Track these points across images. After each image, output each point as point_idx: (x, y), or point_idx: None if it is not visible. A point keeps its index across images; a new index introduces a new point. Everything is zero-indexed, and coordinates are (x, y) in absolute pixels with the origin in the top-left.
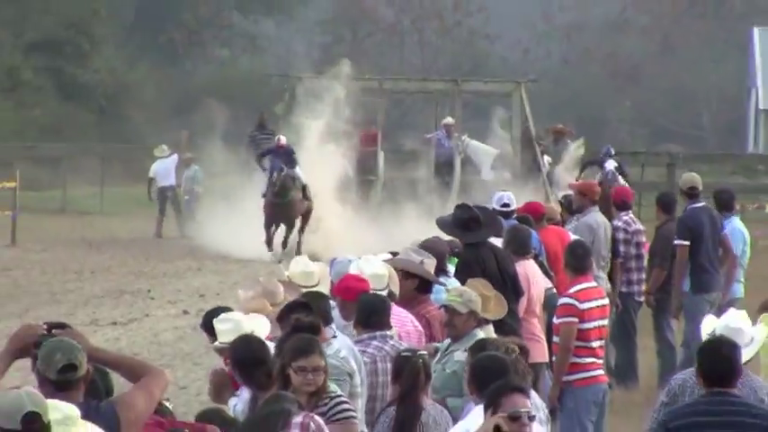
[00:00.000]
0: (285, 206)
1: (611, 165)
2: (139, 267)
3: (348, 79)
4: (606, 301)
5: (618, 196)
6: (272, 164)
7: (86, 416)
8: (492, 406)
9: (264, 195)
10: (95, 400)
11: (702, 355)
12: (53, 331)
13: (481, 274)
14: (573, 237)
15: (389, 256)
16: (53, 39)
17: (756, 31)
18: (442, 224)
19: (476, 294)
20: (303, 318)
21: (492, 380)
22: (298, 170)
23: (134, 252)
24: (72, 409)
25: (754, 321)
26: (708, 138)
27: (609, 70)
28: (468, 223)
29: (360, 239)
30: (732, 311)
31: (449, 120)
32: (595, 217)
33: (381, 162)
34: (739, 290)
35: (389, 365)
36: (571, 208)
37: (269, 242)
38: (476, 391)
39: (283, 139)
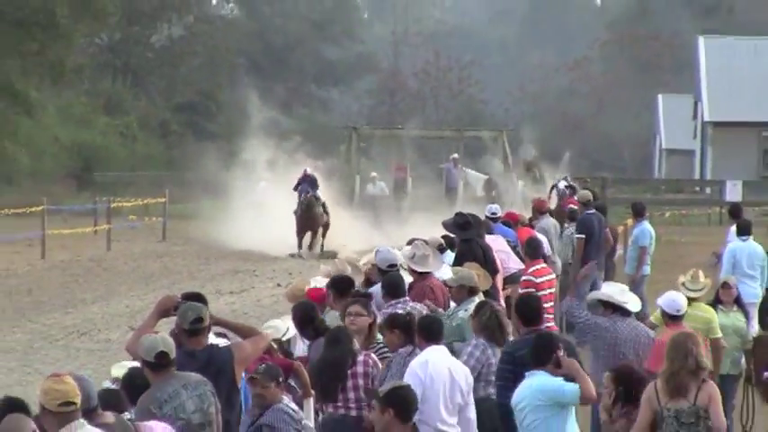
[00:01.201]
0: (310, 218)
1: (562, 185)
2: (247, 255)
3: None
4: (553, 276)
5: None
6: (301, 188)
7: (209, 355)
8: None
9: (296, 212)
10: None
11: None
12: (187, 299)
13: (473, 260)
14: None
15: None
16: (191, 101)
17: (660, 97)
18: (445, 225)
19: (468, 273)
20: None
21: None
22: (318, 192)
23: (241, 245)
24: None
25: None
26: (627, 168)
27: (562, 122)
28: (464, 225)
29: (396, 235)
30: (611, 284)
31: (455, 155)
32: (548, 222)
33: (410, 184)
34: (647, 270)
35: None
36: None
37: (300, 245)
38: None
39: (309, 170)
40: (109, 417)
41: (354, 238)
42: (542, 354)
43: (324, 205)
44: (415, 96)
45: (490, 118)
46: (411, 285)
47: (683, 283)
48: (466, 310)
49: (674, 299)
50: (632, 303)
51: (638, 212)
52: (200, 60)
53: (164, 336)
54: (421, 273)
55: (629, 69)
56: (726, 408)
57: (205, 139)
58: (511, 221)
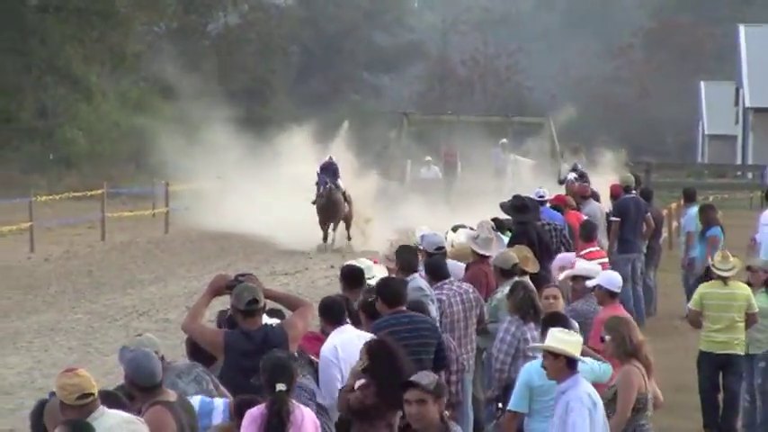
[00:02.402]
0: (332, 209)
1: (571, 176)
2: (303, 238)
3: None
4: (605, 259)
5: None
6: (320, 178)
7: (264, 335)
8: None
9: (314, 202)
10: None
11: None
12: (239, 278)
13: (526, 242)
14: (585, 217)
15: (469, 231)
16: (246, 88)
17: (703, 84)
18: (502, 207)
19: (503, 256)
20: None
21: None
22: (339, 182)
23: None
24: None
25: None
26: (671, 153)
27: (605, 108)
28: (521, 208)
29: (447, 216)
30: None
31: (503, 140)
32: (593, 206)
33: (459, 168)
34: (695, 252)
35: (458, 299)
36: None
37: (324, 237)
38: None
39: (334, 158)
40: (171, 395)
41: (406, 221)
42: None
43: (345, 195)
44: (463, 83)
45: (536, 104)
46: (468, 266)
47: (714, 264)
48: (502, 292)
49: (614, 277)
50: (597, 278)
51: (690, 196)
52: (255, 48)
53: (148, 336)
54: (481, 255)
55: (671, 56)
56: (747, 386)
57: (259, 126)
58: (561, 205)
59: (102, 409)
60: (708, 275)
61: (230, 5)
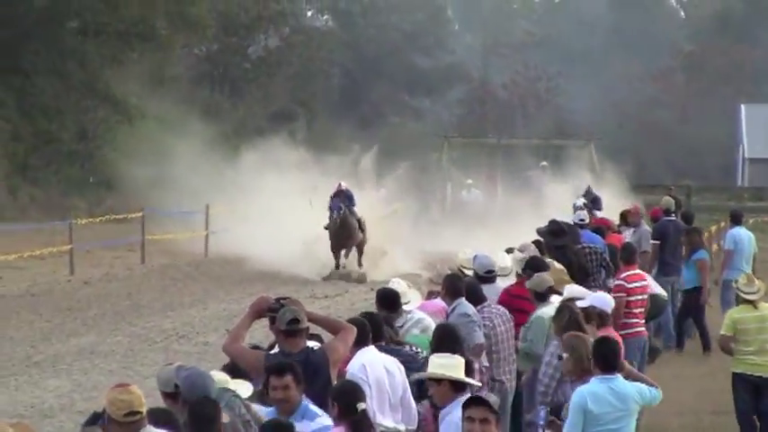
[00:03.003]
0: (345, 235)
1: (580, 201)
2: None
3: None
4: (646, 282)
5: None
6: (333, 203)
7: (306, 357)
8: None
9: (327, 227)
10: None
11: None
12: (281, 301)
13: (565, 266)
14: (626, 240)
15: (516, 254)
16: (286, 110)
17: (743, 107)
18: (539, 231)
19: (537, 279)
20: None
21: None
22: (355, 209)
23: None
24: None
25: None
26: (711, 176)
27: (646, 131)
28: (557, 232)
29: (488, 233)
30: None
31: (543, 163)
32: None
33: (500, 191)
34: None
35: (500, 321)
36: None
37: (337, 264)
38: None
39: (344, 185)
40: (225, 417)
41: (447, 243)
42: (613, 358)
43: (360, 222)
44: (503, 106)
45: (577, 127)
46: (507, 289)
47: (739, 288)
48: (535, 314)
49: (607, 299)
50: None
51: (736, 219)
52: (296, 70)
53: (178, 365)
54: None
55: (711, 79)
56: None
57: (301, 147)
58: (603, 227)
59: (149, 428)
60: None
61: (271, 28)
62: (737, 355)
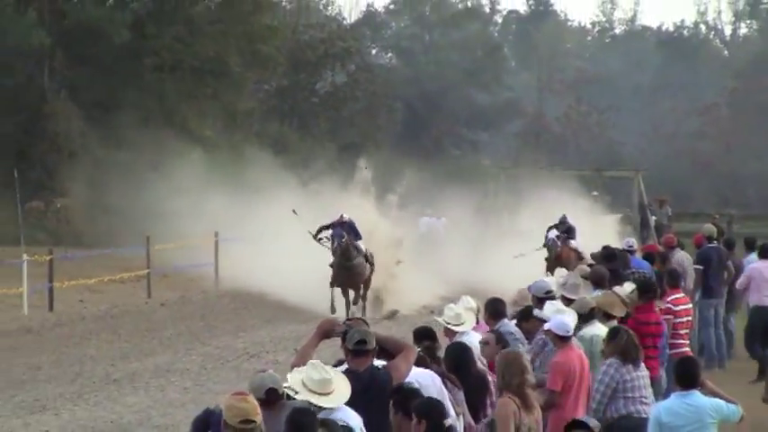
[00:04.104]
0: (351, 269)
1: (552, 234)
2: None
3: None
4: (690, 305)
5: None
6: (334, 232)
7: (371, 376)
8: None
9: (332, 265)
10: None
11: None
12: (347, 323)
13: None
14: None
15: (558, 278)
16: (354, 142)
17: None
18: (593, 256)
19: (581, 302)
20: None
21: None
22: (360, 243)
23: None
24: (328, 373)
25: None
26: (753, 205)
27: (692, 163)
28: (609, 257)
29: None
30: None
31: (595, 193)
32: (681, 255)
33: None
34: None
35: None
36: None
37: (332, 304)
38: None
39: (346, 216)
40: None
41: (505, 270)
42: (692, 376)
43: (367, 257)
44: (558, 139)
45: (627, 159)
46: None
47: None
48: (583, 337)
49: (563, 322)
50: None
51: (749, 244)
52: (361, 105)
53: (270, 373)
54: (569, 299)
55: (755, 114)
56: None
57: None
58: (654, 253)
59: None
60: None
61: (337, 65)
62: None
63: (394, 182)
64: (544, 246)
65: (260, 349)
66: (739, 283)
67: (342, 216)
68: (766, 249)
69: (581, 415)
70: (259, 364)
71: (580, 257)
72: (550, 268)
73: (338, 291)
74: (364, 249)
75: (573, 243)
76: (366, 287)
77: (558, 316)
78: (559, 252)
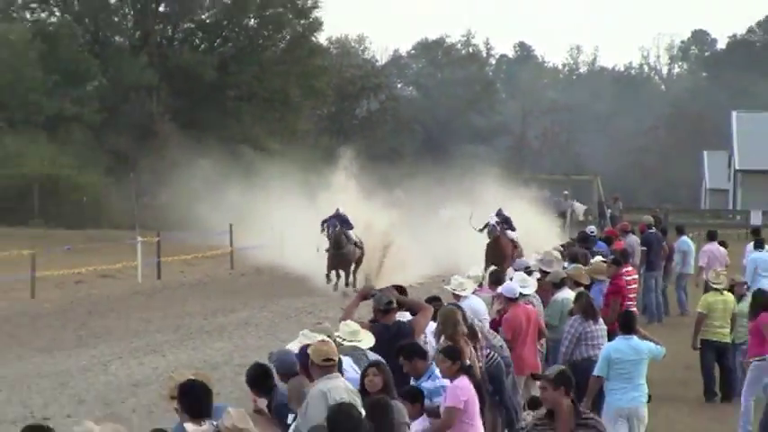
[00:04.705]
0: (341, 255)
1: (493, 220)
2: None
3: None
4: (636, 276)
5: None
6: (329, 223)
7: (398, 327)
8: None
9: (327, 250)
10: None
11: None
12: (379, 290)
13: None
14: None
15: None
16: (384, 155)
17: (705, 153)
18: (572, 239)
19: (555, 273)
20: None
21: None
22: (351, 232)
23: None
24: (356, 326)
25: None
26: (683, 201)
27: (638, 170)
28: (584, 239)
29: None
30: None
31: (565, 192)
32: (632, 238)
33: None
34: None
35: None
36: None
37: (329, 281)
38: None
39: (341, 210)
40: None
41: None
42: (631, 325)
43: (356, 243)
44: (536, 152)
45: (589, 167)
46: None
47: (709, 280)
48: (555, 300)
49: (511, 287)
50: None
51: (710, 236)
52: (389, 126)
53: (326, 325)
54: (546, 272)
55: (685, 134)
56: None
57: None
58: (612, 236)
59: (337, 375)
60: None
61: (372, 96)
62: (705, 327)
63: (411, 183)
64: (485, 227)
65: (314, 308)
66: (702, 261)
67: (337, 209)
68: (712, 234)
69: (532, 353)
70: (314, 318)
71: (515, 245)
72: (489, 249)
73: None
74: (354, 237)
75: (510, 233)
76: (357, 266)
77: (508, 283)
78: (497, 236)
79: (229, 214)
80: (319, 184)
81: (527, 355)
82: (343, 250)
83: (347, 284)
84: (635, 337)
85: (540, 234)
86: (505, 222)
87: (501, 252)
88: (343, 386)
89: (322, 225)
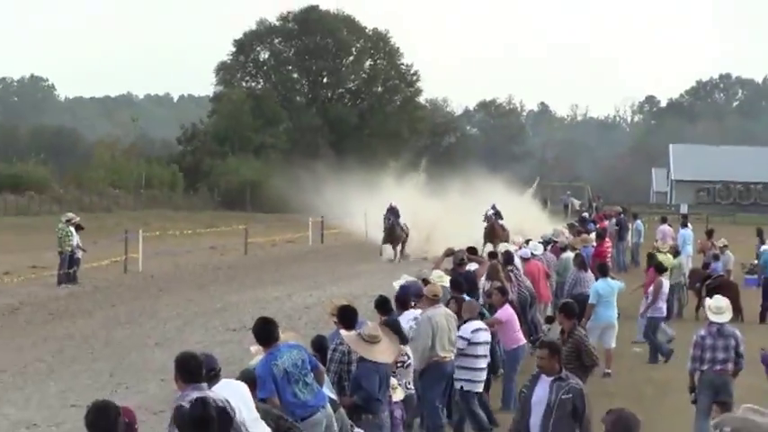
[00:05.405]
0: (392, 235)
1: (489, 212)
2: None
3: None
4: (611, 244)
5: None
6: (387, 215)
7: (467, 274)
8: None
9: (384, 231)
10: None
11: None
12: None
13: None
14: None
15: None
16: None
17: (654, 170)
18: (570, 223)
19: (564, 240)
20: None
21: None
22: (401, 220)
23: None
24: (441, 272)
25: None
26: (642, 200)
27: (614, 182)
28: (583, 221)
29: (543, 226)
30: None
31: (568, 192)
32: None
33: (548, 204)
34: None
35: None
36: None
37: (382, 251)
38: None
39: (393, 203)
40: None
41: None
42: (606, 272)
43: (403, 227)
44: (550, 169)
45: (583, 179)
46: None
47: (658, 247)
48: (562, 258)
49: (526, 251)
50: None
51: (635, 216)
52: (462, 153)
53: (410, 277)
54: (556, 241)
55: (641, 158)
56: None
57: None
58: (597, 220)
59: (440, 305)
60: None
61: (450, 134)
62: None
63: (469, 188)
64: (485, 218)
65: (408, 264)
66: (658, 236)
67: (391, 203)
68: (664, 219)
69: (545, 289)
70: (408, 272)
71: (504, 229)
72: (486, 234)
73: (388, 246)
74: (402, 223)
75: (501, 221)
76: (403, 246)
77: (524, 248)
78: (492, 224)
79: (361, 205)
80: (414, 186)
81: (542, 290)
82: (394, 232)
83: (394, 256)
84: (609, 279)
85: (530, 221)
86: (497, 213)
87: (494, 233)
88: (443, 312)
89: (384, 216)
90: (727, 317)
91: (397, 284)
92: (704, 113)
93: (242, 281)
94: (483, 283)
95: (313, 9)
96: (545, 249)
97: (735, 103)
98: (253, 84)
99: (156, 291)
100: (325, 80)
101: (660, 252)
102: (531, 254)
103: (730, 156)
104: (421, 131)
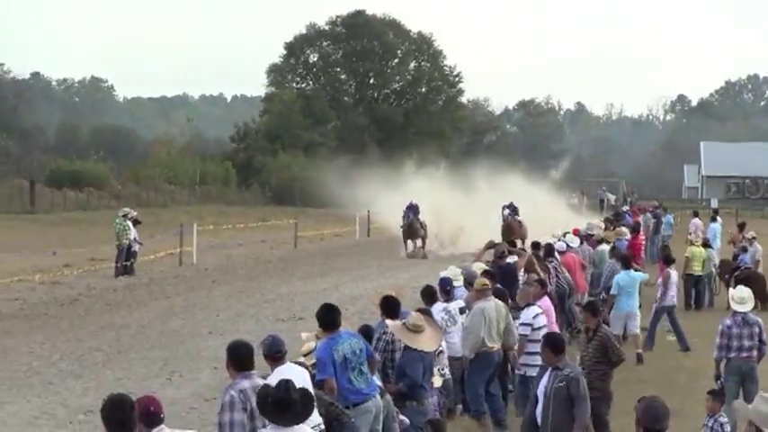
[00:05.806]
0: (412, 232)
1: (506, 212)
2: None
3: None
4: (644, 237)
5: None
6: (405, 212)
7: (507, 266)
8: None
9: (402, 227)
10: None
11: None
12: (495, 243)
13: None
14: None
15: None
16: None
17: (685, 167)
18: (607, 218)
19: (599, 233)
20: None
21: None
22: (420, 216)
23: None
24: (483, 264)
25: None
26: (675, 196)
27: (645, 176)
28: (618, 216)
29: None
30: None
31: (603, 188)
32: (649, 216)
33: (585, 200)
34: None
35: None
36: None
37: (406, 247)
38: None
39: (414, 201)
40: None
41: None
42: (629, 263)
43: (422, 224)
44: (587, 165)
45: (618, 174)
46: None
47: (691, 239)
48: (598, 251)
49: (561, 244)
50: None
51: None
52: (502, 150)
53: (455, 268)
54: (591, 234)
55: (673, 154)
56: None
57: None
58: (633, 213)
59: (491, 296)
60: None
61: (491, 133)
62: (689, 265)
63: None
64: (502, 218)
65: (439, 260)
66: (691, 229)
67: (411, 201)
68: (696, 213)
69: (582, 279)
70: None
71: (521, 225)
72: (503, 233)
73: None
74: (421, 220)
75: (517, 217)
76: (423, 241)
77: (560, 242)
78: (508, 222)
79: (402, 200)
80: (454, 180)
81: (579, 280)
82: (413, 228)
83: (414, 250)
84: (631, 271)
85: (559, 214)
86: (513, 211)
87: (511, 231)
88: (493, 305)
89: (404, 212)
90: (749, 306)
91: (443, 274)
92: (733, 112)
93: (292, 273)
94: (521, 274)
95: (360, 13)
96: (581, 243)
97: (762, 103)
98: (303, 84)
99: (209, 282)
100: (371, 81)
101: (693, 245)
102: (568, 246)
103: (759, 152)
104: (463, 130)
